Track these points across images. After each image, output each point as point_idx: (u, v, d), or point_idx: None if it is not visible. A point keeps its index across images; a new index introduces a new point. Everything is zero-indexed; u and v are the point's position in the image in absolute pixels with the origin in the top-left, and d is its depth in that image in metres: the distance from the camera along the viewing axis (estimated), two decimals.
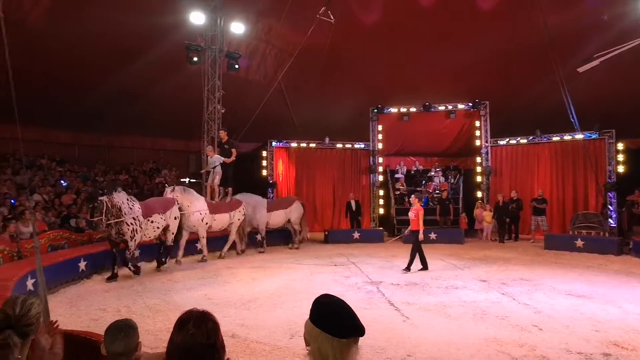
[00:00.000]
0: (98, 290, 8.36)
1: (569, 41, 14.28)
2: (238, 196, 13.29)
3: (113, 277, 9.10)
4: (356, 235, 15.67)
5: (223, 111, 15.18)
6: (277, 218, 14.05)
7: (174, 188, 11.22)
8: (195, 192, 11.78)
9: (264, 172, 17.82)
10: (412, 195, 12.33)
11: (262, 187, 17.67)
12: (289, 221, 14.46)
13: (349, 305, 1.70)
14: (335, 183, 18.51)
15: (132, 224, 9.43)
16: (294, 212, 14.45)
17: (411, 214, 10.80)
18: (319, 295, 1.78)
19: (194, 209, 11.33)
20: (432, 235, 14.98)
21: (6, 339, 1.82)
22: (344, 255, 12.53)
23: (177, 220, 10.89)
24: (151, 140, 20.32)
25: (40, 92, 13.84)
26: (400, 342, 5.58)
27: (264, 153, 17.90)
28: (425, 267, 10.42)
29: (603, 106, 15.24)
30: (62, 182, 14.66)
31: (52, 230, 10.40)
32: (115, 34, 13.13)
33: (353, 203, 16.62)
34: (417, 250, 10.44)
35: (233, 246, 13.03)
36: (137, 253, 10.23)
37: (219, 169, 12.54)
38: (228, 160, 12.68)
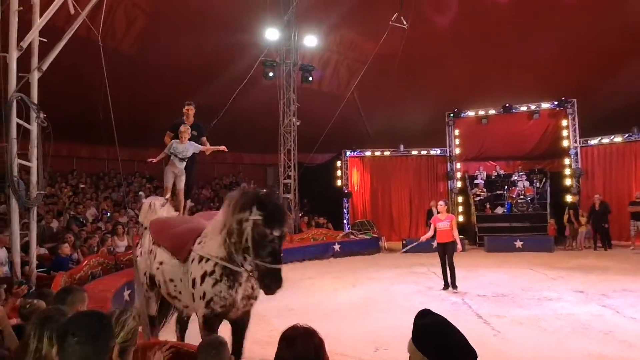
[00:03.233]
0: None
1: None
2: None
3: None
4: (435, 244, 15.15)
5: (298, 124, 15.45)
6: None
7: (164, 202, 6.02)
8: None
9: (339, 182, 17.88)
10: (441, 202, 10.07)
11: (337, 198, 17.76)
12: None
13: (454, 326, 1.59)
14: (412, 191, 18.16)
15: None
16: None
17: (444, 224, 9.28)
18: (419, 312, 1.69)
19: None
20: (518, 243, 14.20)
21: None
22: (425, 265, 12.19)
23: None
24: (231, 155, 21.13)
25: (130, 114, 14.84)
26: (492, 358, 5.28)
27: (339, 163, 17.98)
28: (447, 285, 9.12)
29: None
30: None
31: None
32: (199, 54, 13.84)
33: (434, 210, 16.15)
34: (448, 264, 9.16)
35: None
36: None
37: (181, 167, 7.73)
38: (207, 149, 8.10)
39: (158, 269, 4.51)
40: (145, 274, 4.85)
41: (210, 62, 14.16)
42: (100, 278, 8.08)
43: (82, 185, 14.65)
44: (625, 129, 15.35)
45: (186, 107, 8.49)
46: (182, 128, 7.57)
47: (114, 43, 12.96)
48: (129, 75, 13.88)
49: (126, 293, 7.36)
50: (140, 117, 15.77)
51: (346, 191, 17.69)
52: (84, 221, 11.51)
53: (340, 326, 6.74)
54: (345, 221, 17.56)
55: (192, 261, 4.08)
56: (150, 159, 7.77)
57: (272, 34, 14.63)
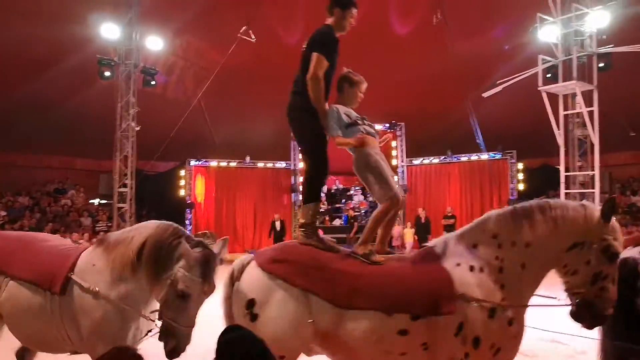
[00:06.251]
0: None
1: (477, 68, 15.36)
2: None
3: None
4: None
5: (138, 129, 14.51)
6: None
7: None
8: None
9: (182, 192, 17.24)
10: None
11: (179, 208, 17.07)
12: None
13: (257, 339, 1.62)
14: (257, 203, 18.31)
15: None
16: None
17: None
18: (225, 328, 1.69)
19: None
20: None
21: None
22: None
23: None
24: (58, 159, 18.94)
25: None
26: None
27: (182, 172, 17.33)
28: None
29: (506, 129, 16.54)
30: None
31: None
32: (24, 42, 12.22)
33: (278, 223, 16.49)
34: None
35: None
36: None
37: None
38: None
39: None
40: None
41: (37, 53, 12.61)
42: None
43: None
44: (441, 152, 17.63)
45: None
46: (355, 75, 3.65)
47: None
48: None
49: None
50: None
51: (189, 201, 17.11)
52: None
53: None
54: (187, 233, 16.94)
55: None
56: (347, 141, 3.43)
57: (110, 31, 13.59)
